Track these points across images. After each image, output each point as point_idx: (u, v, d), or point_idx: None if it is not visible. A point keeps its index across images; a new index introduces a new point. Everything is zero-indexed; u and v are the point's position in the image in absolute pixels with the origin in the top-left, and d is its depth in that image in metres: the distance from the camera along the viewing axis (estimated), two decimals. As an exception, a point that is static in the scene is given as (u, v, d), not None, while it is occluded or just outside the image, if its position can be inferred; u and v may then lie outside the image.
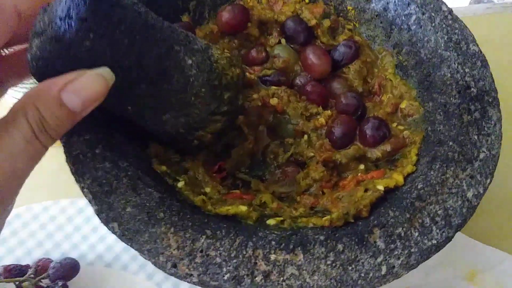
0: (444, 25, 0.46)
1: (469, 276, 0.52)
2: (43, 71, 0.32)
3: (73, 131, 0.39)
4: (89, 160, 0.38)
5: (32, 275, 0.48)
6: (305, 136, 0.45)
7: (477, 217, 0.55)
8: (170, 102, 0.38)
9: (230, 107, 0.42)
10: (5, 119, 0.30)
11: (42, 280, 0.49)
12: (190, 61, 0.38)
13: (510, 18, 0.73)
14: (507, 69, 0.67)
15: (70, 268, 0.49)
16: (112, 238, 0.50)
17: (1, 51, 0.37)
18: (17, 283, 0.48)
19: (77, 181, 0.37)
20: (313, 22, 0.49)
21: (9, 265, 0.49)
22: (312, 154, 0.44)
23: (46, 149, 0.31)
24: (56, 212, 0.54)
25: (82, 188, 0.37)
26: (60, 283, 0.48)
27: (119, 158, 0.38)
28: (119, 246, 0.38)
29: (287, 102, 0.46)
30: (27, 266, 0.49)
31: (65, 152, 0.38)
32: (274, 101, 0.46)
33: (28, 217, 0.53)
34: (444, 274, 0.51)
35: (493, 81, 0.44)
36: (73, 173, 0.38)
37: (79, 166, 0.37)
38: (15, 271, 0.48)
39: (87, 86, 0.31)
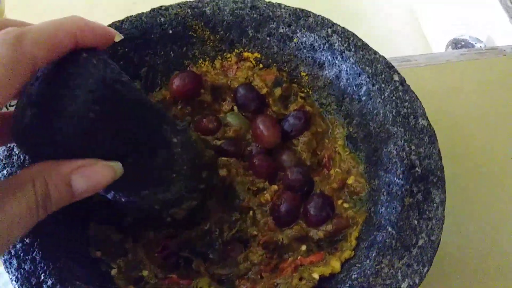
0: (393, 97, 0.46)
1: None
2: (34, 141, 0.32)
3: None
4: (19, 251, 0.37)
5: None
6: (250, 212, 0.45)
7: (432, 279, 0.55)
8: (152, 178, 0.39)
9: (206, 185, 0.43)
10: (13, 183, 0.30)
11: None
12: (175, 140, 0.39)
13: (484, 64, 0.72)
14: (477, 119, 0.66)
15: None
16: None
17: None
18: None
19: (7, 272, 0.37)
20: (264, 90, 0.49)
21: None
22: (255, 232, 0.43)
23: (40, 218, 0.32)
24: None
25: (10, 280, 0.37)
26: None
27: (50, 247, 0.38)
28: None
29: (235, 176, 0.46)
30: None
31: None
32: (223, 172, 0.46)
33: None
34: None
35: (440, 159, 0.43)
36: (3, 264, 0.38)
37: (8, 257, 0.37)
38: None
39: (97, 175, 0.32)
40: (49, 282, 0.37)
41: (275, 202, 0.44)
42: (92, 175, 0.32)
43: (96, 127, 0.32)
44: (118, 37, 0.35)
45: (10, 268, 0.37)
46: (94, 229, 0.42)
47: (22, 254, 0.37)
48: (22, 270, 0.37)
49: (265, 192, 0.45)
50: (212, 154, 0.44)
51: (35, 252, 0.38)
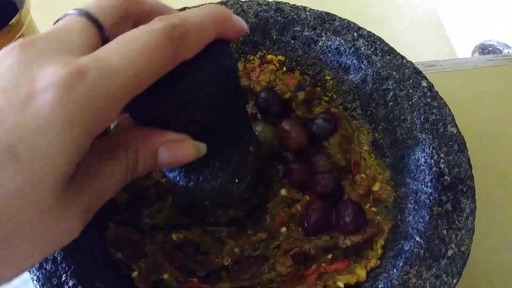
0: (421, 104, 0.44)
1: None
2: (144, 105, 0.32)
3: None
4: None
5: None
6: (283, 228, 0.43)
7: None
8: (222, 173, 0.38)
9: (258, 200, 0.43)
10: (107, 149, 0.31)
11: None
12: (251, 148, 0.39)
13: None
14: (506, 127, 0.65)
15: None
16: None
17: None
18: None
19: (28, 271, 0.37)
20: (287, 95, 0.48)
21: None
22: (278, 242, 0.42)
23: (122, 186, 0.32)
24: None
25: (32, 280, 0.37)
26: None
27: (71, 248, 0.37)
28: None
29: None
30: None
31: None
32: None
33: None
34: None
35: (470, 168, 0.42)
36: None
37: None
38: None
39: (182, 152, 0.33)
40: (70, 283, 0.36)
41: (304, 212, 0.43)
42: (179, 151, 0.33)
43: (201, 106, 0.33)
44: (247, 30, 0.36)
45: (31, 267, 0.37)
46: (114, 231, 0.41)
47: (43, 255, 0.37)
48: (43, 270, 0.37)
49: (298, 204, 0.44)
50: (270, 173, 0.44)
51: (56, 252, 0.37)
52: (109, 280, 0.38)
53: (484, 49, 0.90)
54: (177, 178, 0.38)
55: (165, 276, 0.40)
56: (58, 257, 0.37)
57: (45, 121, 0.24)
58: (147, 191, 0.44)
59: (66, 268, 0.37)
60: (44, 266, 0.37)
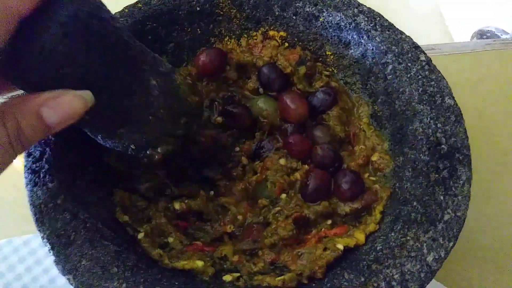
0: (420, 76, 0.46)
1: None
2: (11, 66, 0.33)
3: (37, 180, 0.40)
4: (50, 211, 0.38)
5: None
6: (283, 195, 0.45)
7: (457, 266, 0.55)
8: (128, 117, 0.39)
9: (184, 131, 0.43)
10: None
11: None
12: (154, 82, 0.39)
13: (510, 55, 0.72)
14: (503, 106, 0.66)
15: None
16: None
17: None
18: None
19: (38, 229, 0.38)
20: (288, 69, 0.49)
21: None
22: (278, 208, 0.44)
23: (16, 156, 0.32)
24: (36, 245, 0.55)
25: (42, 238, 0.38)
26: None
27: (80, 208, 0.39)
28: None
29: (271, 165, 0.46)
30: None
31: (29, 202, 0.39)
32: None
33: (8, 251, 0.54)
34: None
35: (467, 137, 0.43)
36: (35, 223, 0.39)
37: (40, 216, 0.38)
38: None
39: (67, 105, 0.33)
40: (79, 241, 0.37)
41: (304, 180, 0.44)
42: (62, 105, 0.32)
43: (67, 60, 0.32)
44: None
45: (42, 226, 0.38)
46: (120, 195, 0.43)
47: (53, 214, 0.38)
48: (53, 228, 0.38)
49: (296, 172, 0.45)
50: (196, 100, 0.44)
51: (65, 212, 0.38)
52: (117, 240, 0.39)
53: (482, 35, 0.92)
54: (94, 135, 0.39)
55: (170, 239, 0.41)
56: (67, 217, 0.38)
57: None
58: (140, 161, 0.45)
59: (75, 227, 0.38)
60: (54, 225, 0.38)
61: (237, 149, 0.48)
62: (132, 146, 0.40)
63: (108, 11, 0.36)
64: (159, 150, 0.42)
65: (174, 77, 0.42)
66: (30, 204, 0.39)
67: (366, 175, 0.45)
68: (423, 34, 1.06)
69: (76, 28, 0.32)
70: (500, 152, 0.62)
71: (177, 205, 0.43)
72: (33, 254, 0.54)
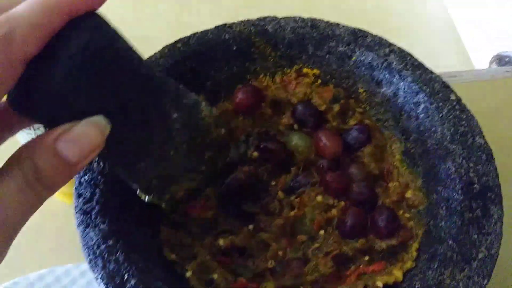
0: (451, 116, 0.47)
1: None
2: (20, 101, 0.32)
3: (89, 221, 0.42)
4: (103, 252, 0.40)
5: (51, 339, 0.51)
6: (322, 231, 0.46)
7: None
8: (147, 151, 0.38)
9: (209, 167, 0.43)
10: (2, 169, 0.30)
11: None
12: (175, 115, 0.38)
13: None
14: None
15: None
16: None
17: None
18: None
19: (92, 271, 0.40)
20: (323, 107, 0.51)
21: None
22: (317, 245, 0.45)
23: (42, 199, 0.31)
24: (76, 275, 0.57)
25: (96, 278, 0.40)
26: None
27: (130, 249, 0.41)
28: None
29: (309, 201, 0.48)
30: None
31: (82, 243, 0.41)
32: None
33: (50, 280, 0.56)
34: None
35: (497, 176, 0.45)
36: (88, 264, 0.41)
37: (94, 257, 0.40)
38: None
39: (82, 136, 0.31)
40: (132, 282, 0.39)
41: (341, 217, 0.46)
42: (77, 138, 0.31)
43: (78, 93, 0.32)
44: None
45: (96, 267, 0.40)
46: (166, 233, 0.44)
47: (106, 255, 0.40)
48: (107, 270, 0.40)
49: (333, 209, 0.47)
50: (222, 133, 0.43)
51: (117, 253, 0.40)
52: (167, 279, 0.41)
53: (501, 59, 0.94)
54: (115, 171, 0.39)
55: (215, 276, 0.43)
56: (120, 258, 0.40)
57: None
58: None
59: (128, 267, 0.40)
60: (107, 266, 0.40)
61: (273, 183, 0.50)
62: (155, 182, 0.40)
63: (125, 41, 0.35)
64: (184, 186, 0.42)
65: (200, 109, 0.41)
66: (83, 245, 0.41)
67: (401, 211, 0.47)
68: (440, 56, 1.08)
69: (87, 60, 0.31)
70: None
71: (221, 241, 0.45)
72: (74, 283, 0.56)
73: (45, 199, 0.31)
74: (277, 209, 0.48)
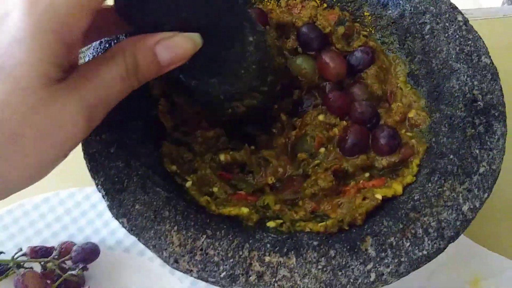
0: (457, 36, 0.47)
1: (473, 282, 0.53)
2: (127, 9, 0.35)
3: (91, 132, 0.42)
4: (104, 159, 0.41)
5: (56, 257, 0.52)
6: (322, 149, 0.46)
7: (485, 223, 0.56)
8: (223, 68, 0.42)
9: (269, 88, 0.45)
10: (105, 56, 0.35)
11: (65, 262, 0.53)
12: (251, 38, 0.42)
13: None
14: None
15: (90, 252, 0.53)
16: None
17: None
18: (42, 263, 0.52)
19: (92, 177, 0.41)
20: (327, 29, 0.50)
21: (35, 247, 0.53)
22: (318, 161, 0.45)
23: (133, 88, 0.36)
24: (80, 198, 0.57)
25: (96, 185, 0.40)
26: (81, 266, 0.52)
27: (132, 157, 0.41)
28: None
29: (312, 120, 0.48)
30: (52, 248, 0.54)
31: (83, 150, 0.41)
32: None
33: (55, 202, 0.57)
34: (448, 278, 0.53)
35: (502, 95, 0.44)
36: (89, 170, 0.41)
37: (95, 164, 0.41)
38: (41, 252, 0.53)
39: (178, 45, 0.36)
40: (132, 187, 0.40)
41: (343, 135, 0.46)
42: (174, 45, 0.35)
43: (181, 7, 0.35)
44: None
45: (96, 174, 0.40)
46: (167, 147, 0.45)
47: (106, 162, 0.41)
48: (107, 176, 0.40)
49: (335, 128, 0.47)
50: (282, 62, 0.46)
51: (118, 160, 0.41)
52: (166, 188, 0.41)
53: (513, 0, 0.92)
54: (188, 80, 0.42)
55: (215, 189, 0.44)
56: (120, 164, 0.40)
57: (18, 33, 0.30)
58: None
59: (128, 174, 0.40)
60: (108, 173, 0.40)
61: (276, 106, 0.50)
62: (221, 96, 0.44)
63: None
64: (245, 103, 0.45)
65: (267, 37, 0.45)
66: (84, 153, 0.41)
67: (403, 131, 0.46)
68: None
69: None
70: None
71: (222, 157, 0.45)
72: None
73: (134, 88, 0.36)
74: (279, 130, 0.48)
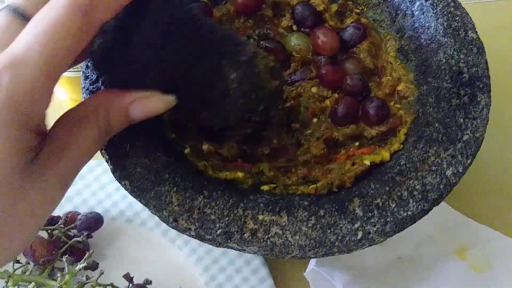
0: (445, 12, 0.49)
1: (459, 251, 0.55)
2: (101, 65, 0.37)
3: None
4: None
5: (61, 225, 0.55)
6: (315, 119, 0.49)
7: (472, 196, 0.59)
8: (208, 107, 0.42)
9: (261, 118, 0.45)
10: (78, 116, 0.35)
11: (70, 230, 0.55)
12: (233, 75, 0.40)
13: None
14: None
15: (94, 221, 0.56)
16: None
17: None
18: (49, 231, 0.55)
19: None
20: (321, 7, 0.53)
21: (42, 215, 0.56)
22: (310, 131, 0.48)
23: (102, 146, 0.38)
24: (84, 171, 0.60)
25: (100, 150, 0.43)
26: (85, 233, 0.54)
27: (134, 125, 0.43)
28: (139, 204, 0.43)
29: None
30: (58, 217, 0.56)
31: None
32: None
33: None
34: (436, 248, 0.55)
35: (487, 68, 0.46)
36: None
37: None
38: (47, 221, 0.55)
39: (153, 106, 0.37)
40: (134, 152, 0.42)
41: (334, 106, 0.48)
42: (149, 107, 0.37)
43: (158, 58, 0.36)
44: None
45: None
46: (168, 115, 0.47)
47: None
48: (110, 142, 0.42)
49: (327, 100, 0.49)
50: (276, 85, 0.44)
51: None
52: (166, 153, 0.43)
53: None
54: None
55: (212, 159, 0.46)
56: (123, 131, 0.43)
57: None
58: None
59: (130, 139, 0.42)
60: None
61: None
62: (215, 128, 0.45)
63: (194, 11, 0.39)
64: (239, 133, 0.46)
65: (255, 64, 0.42)
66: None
67: (392, 102, 0.48)
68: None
69: (169, 29, 0.35)
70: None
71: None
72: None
73: (104, 144, 0.39)
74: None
